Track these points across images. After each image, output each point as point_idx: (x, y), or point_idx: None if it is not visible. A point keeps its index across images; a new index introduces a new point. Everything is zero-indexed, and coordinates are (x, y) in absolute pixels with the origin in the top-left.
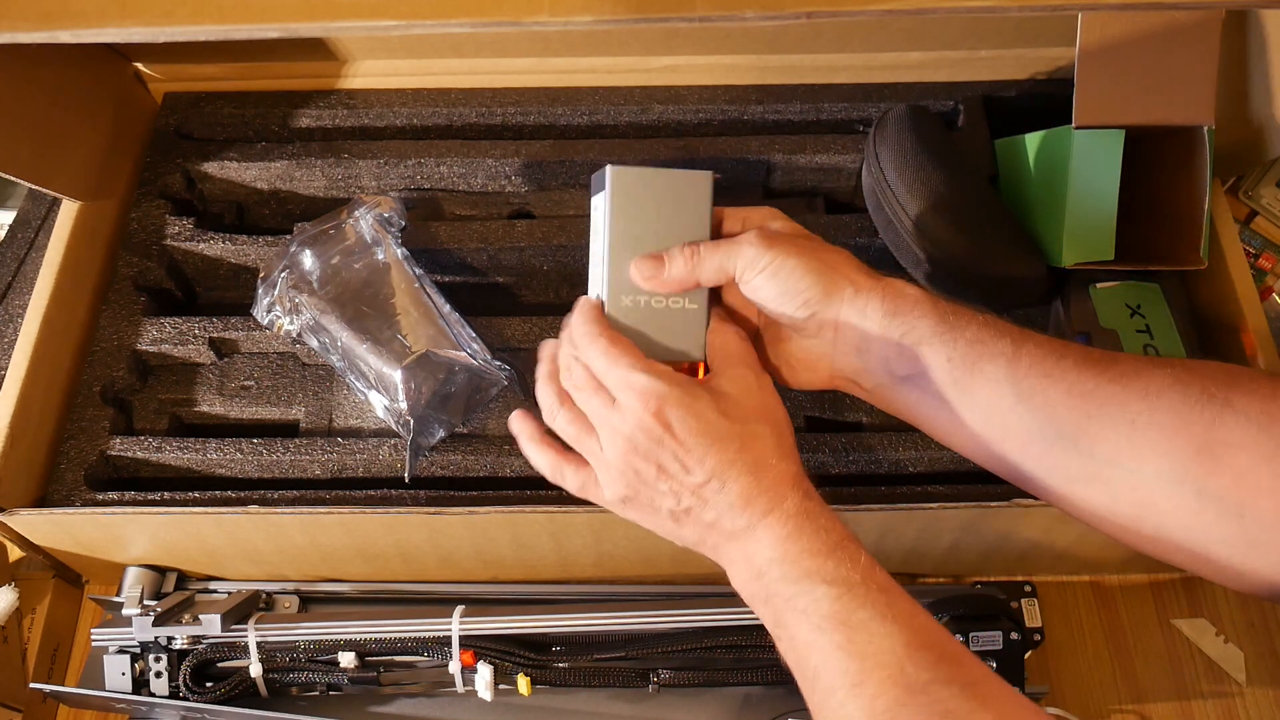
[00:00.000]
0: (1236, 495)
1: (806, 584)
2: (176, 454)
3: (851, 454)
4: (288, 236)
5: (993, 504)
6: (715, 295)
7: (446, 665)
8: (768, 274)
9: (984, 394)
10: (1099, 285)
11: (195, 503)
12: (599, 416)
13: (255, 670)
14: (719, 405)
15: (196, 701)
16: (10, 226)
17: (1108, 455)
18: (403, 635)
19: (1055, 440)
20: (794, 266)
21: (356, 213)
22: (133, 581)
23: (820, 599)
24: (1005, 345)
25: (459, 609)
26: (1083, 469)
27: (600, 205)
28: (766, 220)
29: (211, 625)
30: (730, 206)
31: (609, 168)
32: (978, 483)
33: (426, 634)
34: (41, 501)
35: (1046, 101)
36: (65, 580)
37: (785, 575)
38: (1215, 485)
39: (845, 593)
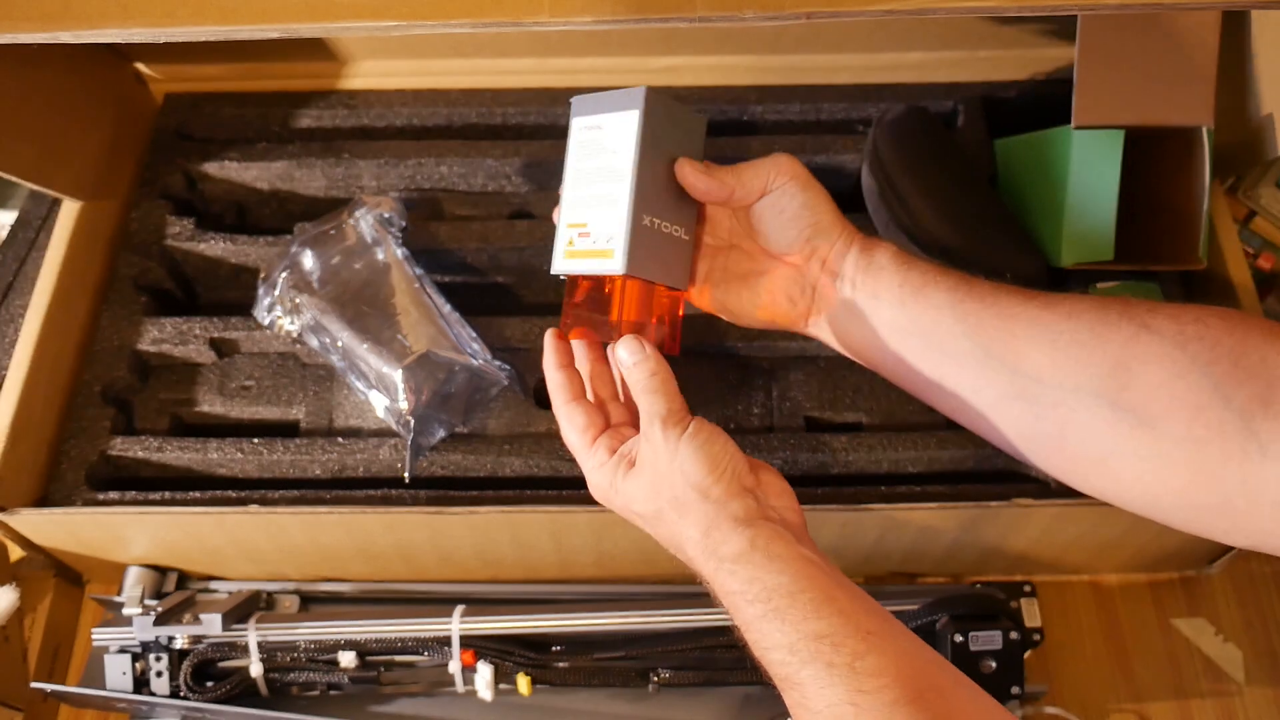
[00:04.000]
0: (1149, 409)
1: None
2: (177, 454)
3: (851, 454)
4: (288, 236)
5: (993, 504)
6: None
7: (447, 665)
8: (800, 183)
9: (927, 316)
10: (1099, 285)
11: (196, 502)
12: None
13: (256, 670)
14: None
15: (197, 701)
16: (11, 226)
17: (1032, 371)
18: (403, 635)
19: (986, 360)
20: (819, 190)
21: (357, 213)
22: (133, 581)
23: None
24: (950, 278)
25: (459, 609)
26: (1010, 385)
27: (613, 124)
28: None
29: (212, 625)
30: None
31: (643, 88)
32: (978, 482)
33: (426, 634)
34: (42, 501)
35: (1046, 101)
36: (66, 580)
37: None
38: (1129, 399)
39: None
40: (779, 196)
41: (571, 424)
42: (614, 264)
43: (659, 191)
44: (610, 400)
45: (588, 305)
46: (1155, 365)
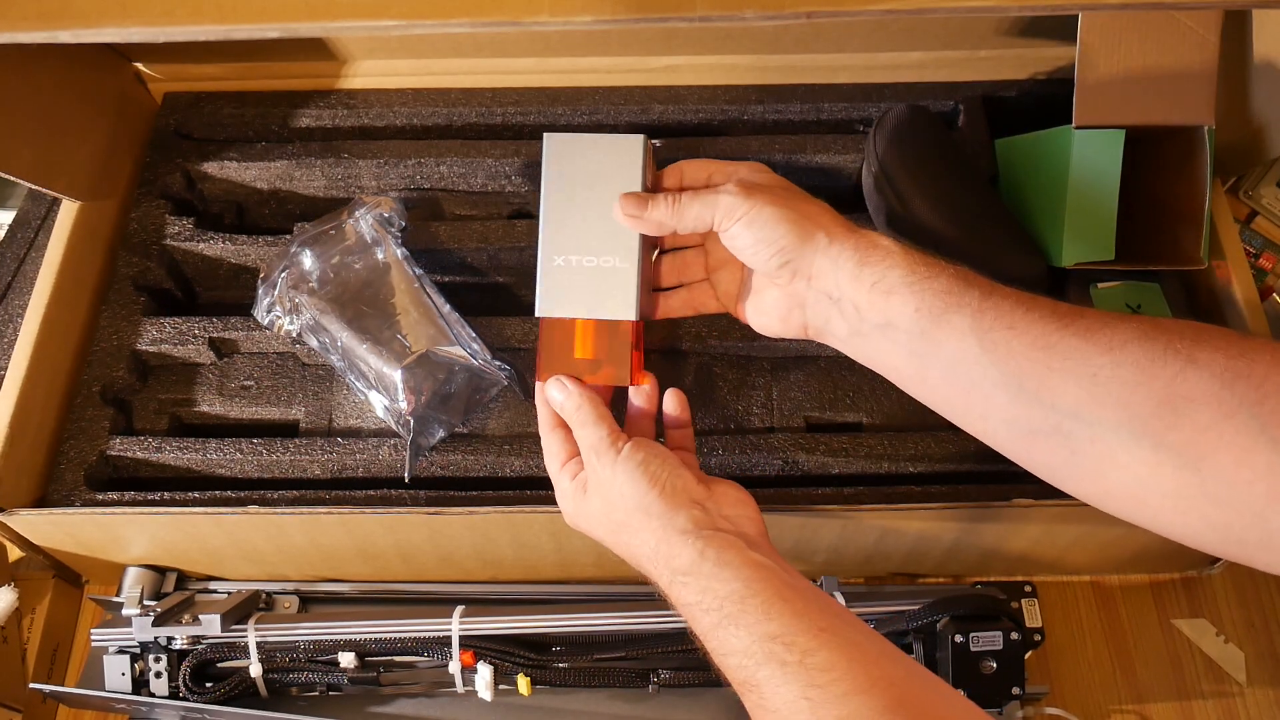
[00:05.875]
0: (1195, 450)
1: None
2: (176, 454)
3: (851, 454)
4: (288, 236)
5: (993, 504)
6: (647, 257)
7: (446, 665)
8: (744, 222)
9: (950, 345)
10: (1099, 285)
11: (195, 503)
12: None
13: (255, 670)
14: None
15: (196, 702)
16: (10, 226)
17: (1068, 408)
18: (403, 635)
19: (1018, 392)
20: (770, 215)
21: (357, 213)
22: (133, 581)
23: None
24: (973, 297)
25: (459, 609)
26: (1044, 421)
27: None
28: (752, 173)
29: (211, 625)
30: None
31: (545, 134)
32: (978, 482)
33: (426, 634)
34: (41, 501)
35: (1046, 101)
36: (65, 580)
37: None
38: (1175, 439)
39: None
40: (730, 239)
41: (548, 452)
42: (536, 308)
43: (577, 228)
44: None
45: (555, 348)
46: (1203, 406)
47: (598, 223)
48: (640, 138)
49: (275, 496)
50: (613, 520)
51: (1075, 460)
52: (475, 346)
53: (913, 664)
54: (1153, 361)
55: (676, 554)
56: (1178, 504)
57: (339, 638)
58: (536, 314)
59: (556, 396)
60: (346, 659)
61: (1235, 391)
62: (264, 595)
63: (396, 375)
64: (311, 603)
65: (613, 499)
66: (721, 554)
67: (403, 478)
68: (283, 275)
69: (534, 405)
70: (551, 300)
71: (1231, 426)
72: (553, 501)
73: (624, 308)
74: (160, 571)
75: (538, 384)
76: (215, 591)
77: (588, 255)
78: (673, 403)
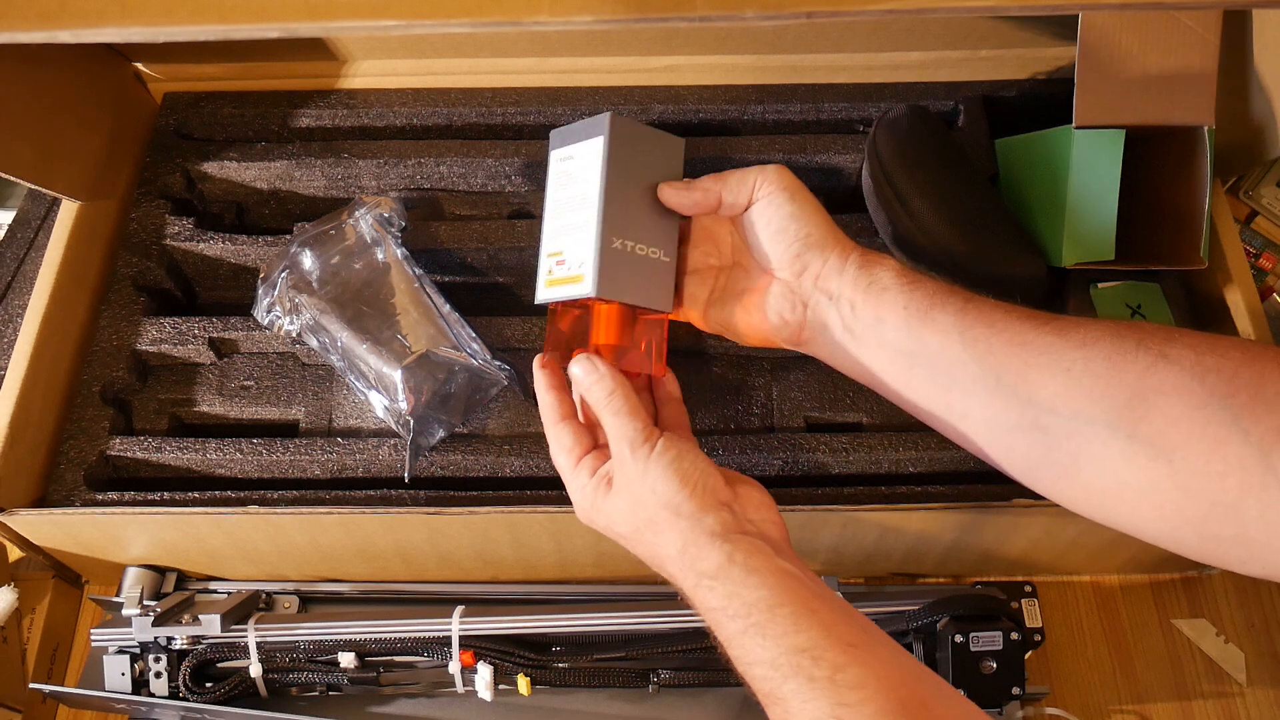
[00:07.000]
0: (1167, 441)
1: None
2: (176, 454)
3: (851, 454)
4: (288, 236)
5: (993, 504)
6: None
7: (446, 665)
8: (787, 195)
9: (934, 342)
10: (1100, 285)
11: (195, 503)
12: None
13: (255, 670)
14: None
15: (196, 702)
16: (10, 226)
17: (1045, 402)
18: (402, 635)
19: (996, 388)
20: (810, 204)
21: (357, 213)
22: (132, 582)
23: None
24: (957, 299)
25: (459, 609)
26: (1021, 417)
27: (582, 152)
28: None
29: (211, 625)
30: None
31: (608, 114)
32: (978, 482)
33: (426, 634)
34: (41, 502)
35: (1046, 101)
36: (65, 580)
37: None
38: (1146, 431)
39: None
40: (765, 207)
41: (559, 444)
42: (584, 287)
43: (632, 214)
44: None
45: (570, 332)
46: (1174, 397)
47: (647, 212)
48: (682, 140)
49: (275, 497)
50: (638, 518)
51: (1052, 456)
52: (475, 346)
53: (939, 681)
54: (1124, 355)
55: (704, 556)
56: (1152, 498)
57: (339, 638)
58: (595, 294)
59: (582, 377)
60: (346, 659)
61: (1206, 384)
62: (264, 595)
63: (396, 375)
64: (311, 603)
65: (642, 496)
66: (750, 559)
67: (403, 478)
68: (283, 275)
69: (534, 406)
70: (608, 282)
71: (1203, 417)
72: (553, 502)
73: (663, 299)
74: (160, 571)
75: (538, 371)
76: (215, 591)
77: (639, 243)
78: (665, 379)
